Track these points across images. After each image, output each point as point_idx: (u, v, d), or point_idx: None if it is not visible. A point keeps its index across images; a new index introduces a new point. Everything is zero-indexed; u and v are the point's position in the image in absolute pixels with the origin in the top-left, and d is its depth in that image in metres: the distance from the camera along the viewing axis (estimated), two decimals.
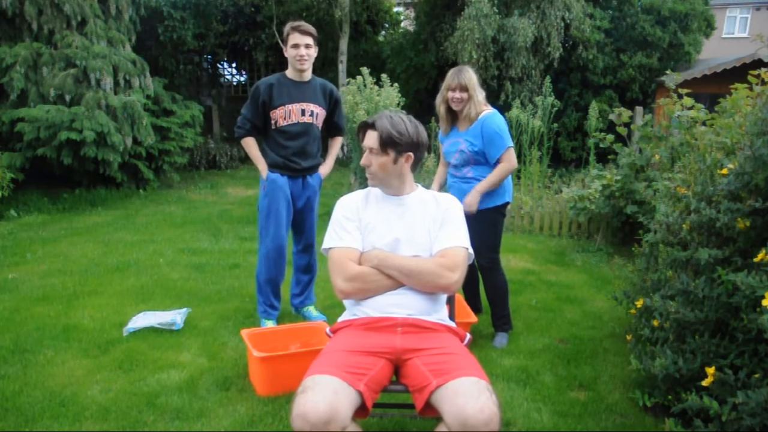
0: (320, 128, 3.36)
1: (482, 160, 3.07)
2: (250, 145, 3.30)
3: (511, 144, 3.06)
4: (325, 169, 3.47)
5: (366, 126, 2.01)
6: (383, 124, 1.96)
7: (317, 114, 3.27)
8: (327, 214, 2.16)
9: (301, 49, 3.10)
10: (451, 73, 3.06)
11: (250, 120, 3.23)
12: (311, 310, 3.57)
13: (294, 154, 3.25)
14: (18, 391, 2.60)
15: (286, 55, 3.18)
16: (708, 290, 2.14)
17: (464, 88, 3.00)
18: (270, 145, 3.27)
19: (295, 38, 3.09)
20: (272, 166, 3.27)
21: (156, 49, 10.32)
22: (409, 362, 1.83)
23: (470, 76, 3.01)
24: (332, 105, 3.36)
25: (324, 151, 3.49)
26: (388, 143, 1.96)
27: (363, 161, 2.01)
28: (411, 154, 1.99)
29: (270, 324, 3.39)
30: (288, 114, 3.19)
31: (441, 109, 3.14)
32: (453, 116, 3.16)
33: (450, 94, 3.05)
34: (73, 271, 4.38)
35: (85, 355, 2.99)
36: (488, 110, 3.07)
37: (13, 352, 3.00)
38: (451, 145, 3.17)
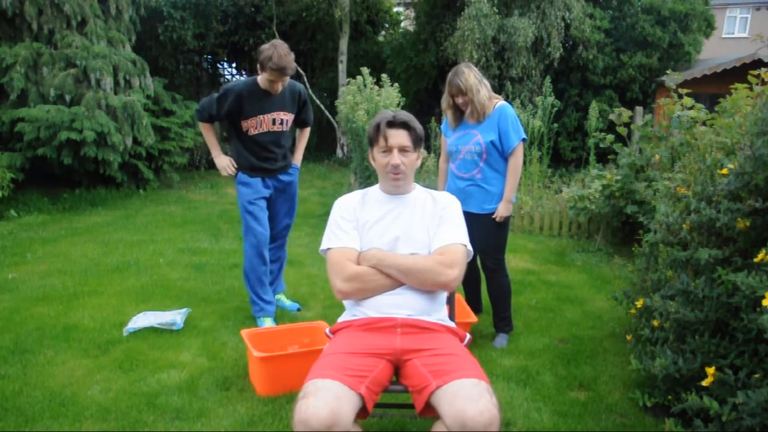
0: (288, 135, 3.44)
1: (495, 154, 3.05)
2: (207, 129, 3.36)
3: (525, 137, 3.08)
4: (297, 159, 3.56)
5: (392, 124, 1.97)
6: (414, 122, 1.99)
7: (287, 121, 3.34)
8: (327, 214, 2.16)
9: (277, 85, 3.14)
10: (449, 77, 3.05)
11: (209, 113, 3.26)
12: (282, 298, 3.64)
13: (266, 159, 3.32)
14: (18, 391, 2.60)
15: (258, 72, 3.14)
16: (708, 290, 2.14)
17: (464, 93, 3.00)
18: (242, 148, 3.31)
19: (275, 76, 3.08)
20: (245, 168, 3.32)
21: (156, 49, 10.32)
22: (409, 363, 1.83)
23: (466, 78, 2.97)
24: (300, 106, 3.42)
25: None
26: (418, 141, 2.00)
27: (394, 161, 1.96)
28: (423, 150, 2.06)
29: (268, 321, 3.41)
30: (259, 124, 3.24)
31: (448, 112, 3.15)
32: (461, 114, 3.15)
33: (456, 100, 3.06)
34: (73, 271, 4.38)
35: (85, 355, 2.99)
36: (500, 102, 3.08)
37: (13, 352, 3.00)
38: (460, 138, 3.12)
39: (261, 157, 3.32)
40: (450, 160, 3.25)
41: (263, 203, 3.37)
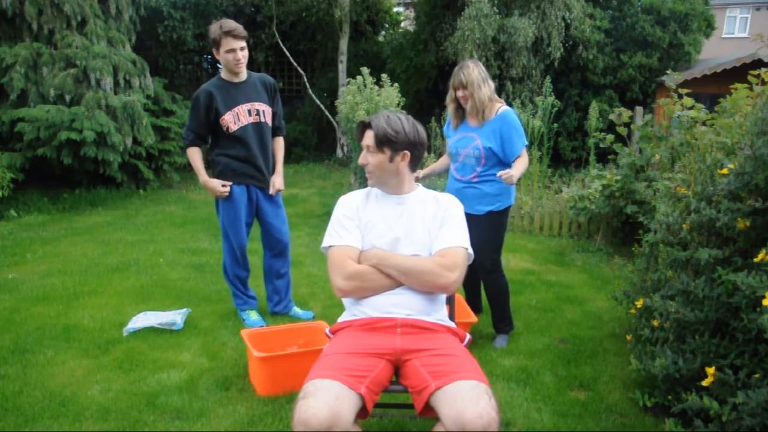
0: (270, 128, 3.35)
1: (494, 160, 3.02)
2: (193, 155, 3.29)
3: (526, 142, 3.06)
4: (278, 178, 3.43)
5: (364, 126, 2.03)
6: (379, 123, 1.98)
7: (264, 111, 3.27)
8: (327, 214, 2.17)
9: (237, 53, 3.10)
10: (455, 70, 3.06)
11: (194, 130, 3.22)
12: (296, 309, 3.61)
13: (252, 156, 3.24)
14: (18, 391, 2.60)
15: (218, 57, 3.15)
16: (708, 290, 2.14)
17: (464, 86, 2.99)
18: (227, 153, 3.23)
19: (230, 43, 3.06)
20: (232, 176, 3.25)
21: (156, 49, 10.32)
22: (409, 363, 1.83)
23: (469, 72, 2.97)
24: (273, 95, 3.35)
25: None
26: (383, 141, 1.97)
27: (360, 160, 2.04)
28: (407, 152, 2.00)
29: (252, 314, 3.43)
30: (236, 117, 3.18)
31: (450, 106, 3.14)
32: (463, 111, 3.15)
33: (456, 93, 3.06)
34: (73, 271, 4.38)
35: (85, 355, 2.99)
36: (503, 107, 3.04)
37: (13, 352, 3.00)
38: (460, 140, 3.11)
39: (247, 158, 3.23)
40: (450, 162, 3.25)
41: (243, 215, 3.29)
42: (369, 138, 2.00)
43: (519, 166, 2.99)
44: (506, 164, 3.04)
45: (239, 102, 3.18)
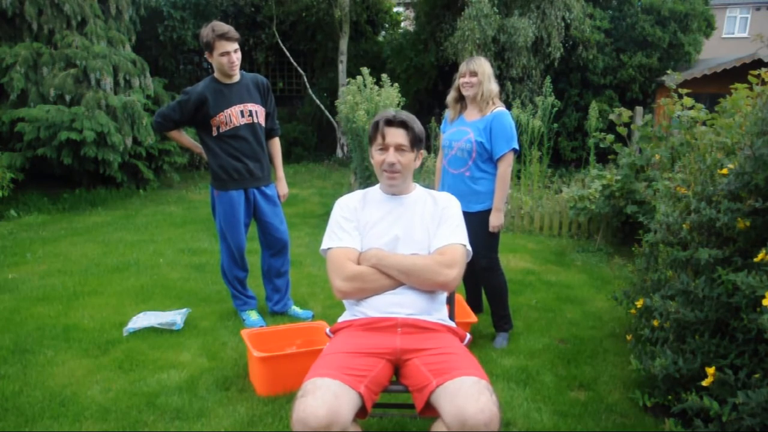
0: (264, 129, 3.32)
1: (484, 155, 3.06)
2: (179, 136, 3.29)
3: (516, 147, 3.07)
4: (282, 184, 3.48)
5: (391, 123, 1.97)
6: (413, 122, 1.97)
7: (256, 112, 3.23)
8: (327, 214, 2.17)
9: (231, 56, 3.05)
10: (465, 61, 3.11)
11: (174, 121, 3.17)
12: (296, 309, 3.61)
13: (245, 156, 3.21)
14: (18, 391, 2.60)
15: (210, 60, 3.10)
16: (708, 290, 2.14)
17: (474, 73, 3.04)
18: (218, 153, 3.20)
19: (224, 46, 3.02)
20: (229, 183, 3.22)
21: (156, 49, 10.33)
22: (409, 362, 1.83)
23: (481, 63, 3.06)
24: (265, 97, 3.32)
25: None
26: (416, 141, 1.98)
27: (390, 159, 1.96)
28: (423, 150, 2.04)
29: (252, 314, 3.43)
30: (228, 119, 3.14)
31: (452, 95, 3.18)
32: (462, 105, 3.18)
33: (461, 80, 3.09)
34: (73, 271, 4.38)
35: (85, 355, 2.99)
36: (501, 107, 3.10)
37: (13, 352, 3.00)
38: (454, 133, 3.14)
39: (241, 159, 3.20)
40: (443, 155, 3.27)
41: (241, 217, 3.29)
42: (400, 136, 1.95)
43: (497, 192, 3.07)
44: (494, 161, 3.09)
45: (232, 103, 3.15)
